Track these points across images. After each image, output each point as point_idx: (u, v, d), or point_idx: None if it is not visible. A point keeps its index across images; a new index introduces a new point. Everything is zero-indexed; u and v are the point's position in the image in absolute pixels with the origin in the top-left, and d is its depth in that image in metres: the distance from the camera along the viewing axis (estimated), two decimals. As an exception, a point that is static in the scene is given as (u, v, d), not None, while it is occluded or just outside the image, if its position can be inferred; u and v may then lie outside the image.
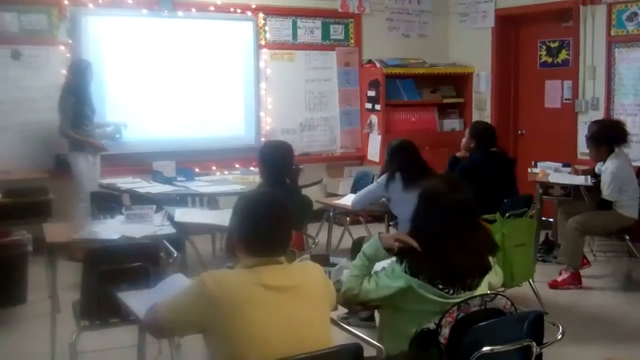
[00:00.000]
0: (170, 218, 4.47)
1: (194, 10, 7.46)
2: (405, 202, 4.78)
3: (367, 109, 8.40)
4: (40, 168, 6.66)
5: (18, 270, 5.09)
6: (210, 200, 6.35)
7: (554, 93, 7.96)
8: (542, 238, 6.47)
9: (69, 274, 4.75)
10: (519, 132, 8.46)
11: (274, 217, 2.39)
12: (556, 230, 6.30)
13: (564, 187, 6.45)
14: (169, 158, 6.51)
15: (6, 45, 6.68)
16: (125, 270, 3.49)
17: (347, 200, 5.65)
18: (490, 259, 2.87)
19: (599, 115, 7.11)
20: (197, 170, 6.78)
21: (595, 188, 5.80)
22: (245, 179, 6.38)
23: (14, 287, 5.07)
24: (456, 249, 2.65)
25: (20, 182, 6.13)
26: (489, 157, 5.38)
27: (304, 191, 5.19)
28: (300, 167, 5.38)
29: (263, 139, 7.67)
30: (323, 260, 3.15)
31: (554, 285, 5.68)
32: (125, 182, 6.12)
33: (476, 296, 2.60)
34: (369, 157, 8.33)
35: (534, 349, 2.53)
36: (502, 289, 3.27)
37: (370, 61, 8.42)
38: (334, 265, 3.21)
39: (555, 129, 7.81)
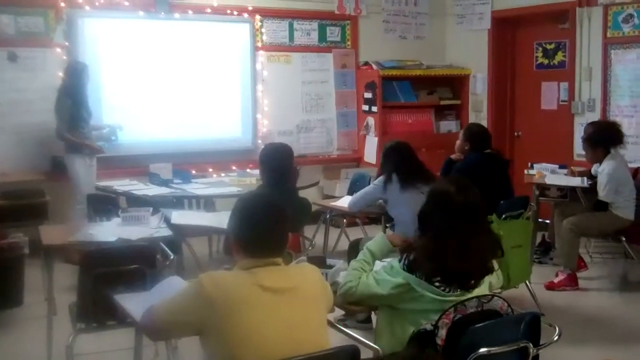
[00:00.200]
0: (167, 220, 4.46)
1: (190, 12, 7.45)
2: (402, 203, 4.80)
3: (364, 111, 8.41)
4: (37, 170, 6.65)
5: (14, 272, 5.09)
6: (207, 203, 6.35)
7: (551, 94, 7.97)
8: (538, 239, 6.47)
9: (65, 276, 4.75)
10: (516, 133, 8.47)
11: (271, 218, 2.39)
12: (552, 232, 6.32)
13: (560, 188, 6.46)
14: (165, 160, 6.51)
15: (2, 47, 6.68)
16: (122, 273, 3.48)
17: (344, 202, 5.66)
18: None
19: (595, 116, 7.12)
20: (193, 172, 6.76)
21: (592, 189, 5.81)
22: (242, 181, 6.37)
23: (11, 289, 5.07)
24: (456, 250, 2.65)
25: (16, 184, 6.14)
26: (485, 158, 5.39)
27: (301, 193, 5.20)
28: (298, 169, 5.38)
29: (260, 141, 7.67)
30: (320, 262, 3.15)
31: (550, 286, 5.68)
32: (121, 185, 6.11)
33: (473, 297, 2.60)
34: (366, 159, 8.33)
35: (531, 350, 2.53)
36: (499, 290, 3.27)
37: (366, 63, 8.42)
38: (330, 267, 3.21)
39: (551, 131, 7.82)
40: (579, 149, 6.91)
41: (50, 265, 4.10)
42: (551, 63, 7.98)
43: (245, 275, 2.30)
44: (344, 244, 6.22)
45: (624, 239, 5.73)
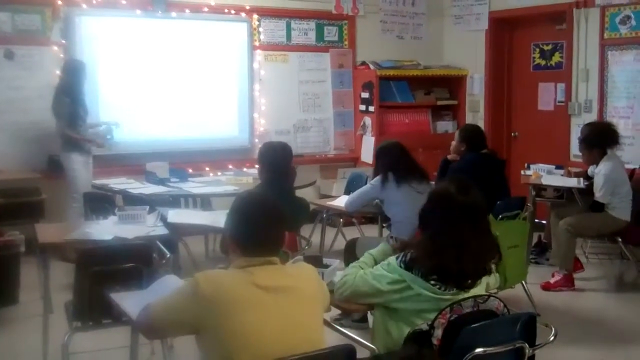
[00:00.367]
0: (163, 219, 4.46)
1: (187, 11, 7.45)
2: (399, 203, 4.80)
3: (361, 111, 8.41)
4: (33, 168, 6.64)
5: (10, 270, 5.08)
6: (204, 201, 6.35)
7: (547, 95, 7.98)
8: (534, 240, 6.48)
9: (61, 274, 4.75)
10: (512, 134, 8.48)
11: (266, 217, 2.39)
12: (549, 233, 6.32)
13: (557, 189, 6.46)
14: (162, 159, 6.49)
15: (-1, 45, 6.68)
16: (118, 271, 3.48)
17: (341, 201, 5.65)
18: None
19: (592, 117, 7.13)
20: (190, 171, 6.78)
21: (588, 190, 5.82)
22: (238, 180, 6.37)
23: (6, 287, 5.07)
24: (453, 249, 2.65)
25: (12, 182, 6.12)
26: (482, 158, 5.39)
27: (298, 192, 5.20)
28: (295, 168, 5.38)
29: (257, 140, 7.68)
30: (316, 261, 3.15)
31: (546, 287, 5.69)
32: (118, 183, 6.10)
33: (469, 297, 2.61)
34: (363, 159, 8.34)
35: (527, 351, 2.53)
36: (495, 290, 3.27)
37: (364, 63, 8.43)
38: (327, 266, 3.21)
39: (548, 132, 7.83)
40: (575, 149, 6.93)
41: (46, 263, 4.09)
42: (548, 64, 7.99)
43: (241, 274, 2.30)
44: (340, 244, 6.22)
45: (620, 239, 5.74)
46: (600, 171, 5.61)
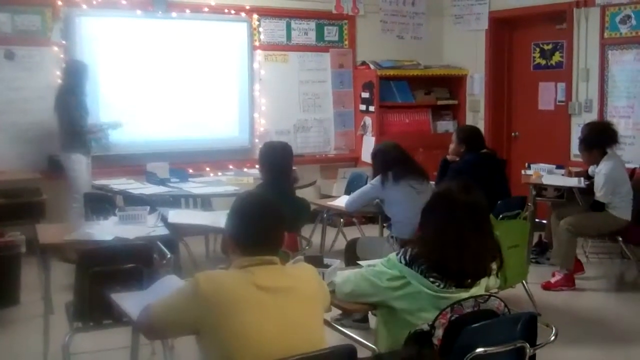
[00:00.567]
0: (164, 219, 4.46)
1: (188, 11, 7.45)
2: (399, 202, 4.80)
3: (361, 111, 8.41)
4: (34, 169, 6.64)
5: (11, 271, 5.09)
6: (204, 202, 6.35)
7: (548, 95, 7.98)
8: (535, 240, 6.48)
9: (62, 275, 4.75)
10: (513, 134, 8.47)
11: (266, 217, 2.40)
12: (549, 232, 6.32)
13: (557, 189, 6.46)
14: (162, 159, 6.50)
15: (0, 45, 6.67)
16: (119, 272, 3.48)
17: (341, 201, 5.65)
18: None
19: (592, 117, 7.13)
20: (190, 171, 6.78)
21: (589, 190, 5.81)
22: (239, 180, 6.37)
23: (7, 288, 5.07)
24: (453, 247, 2.65)
25: (13, 182, 6.12)
26: (482, 158, 5.39)
27: (298, 192, 5.20)
28: (295, 169, 5.38)
29: (257, 141, 7.67)
30: (317, 261, 3.15)
31: (547, 286, 5.69)
32: (118, 183, 6.11)
33: (469, 297, 2.61)
34: (363, 159, 8.33)
35: (527, 350, 2.53)
36: (496, 290, 3.27)
37: (364, 63, 8.43)
38: (327, 266, 3.21)
39: (548, 131, 7.83)
40: (576, 149, 6.91)
41: (47, 264, 4.09)
42: (548, 63, 7.99)
43: (241, 274, 2.30)
44: (341, 244, 6.21)
45: (620, 239, 5.74)
46: (600, 171, 5.61)
